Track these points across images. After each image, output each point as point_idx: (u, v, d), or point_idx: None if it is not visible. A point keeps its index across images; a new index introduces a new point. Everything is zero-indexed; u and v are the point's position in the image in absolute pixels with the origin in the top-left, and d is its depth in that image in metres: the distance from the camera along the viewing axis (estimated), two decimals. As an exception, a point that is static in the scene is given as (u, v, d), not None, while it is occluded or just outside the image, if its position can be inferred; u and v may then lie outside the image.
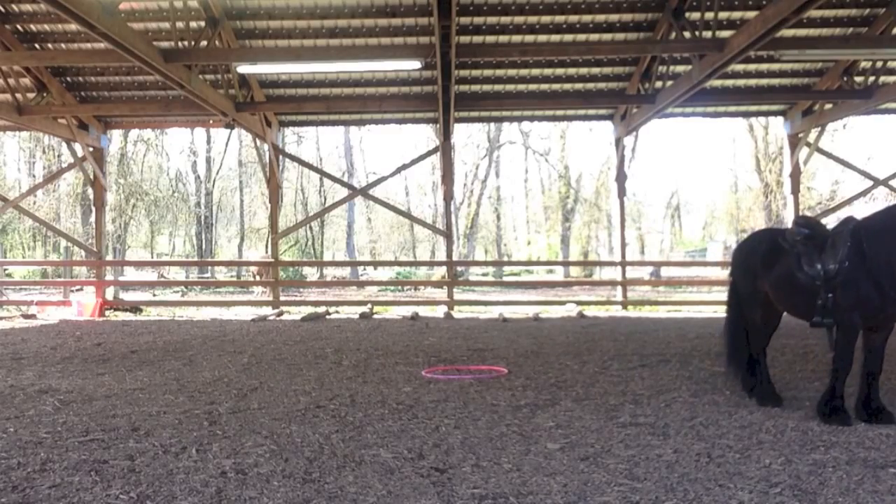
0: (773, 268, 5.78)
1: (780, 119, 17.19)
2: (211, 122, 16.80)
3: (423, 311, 15.91)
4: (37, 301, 16.82)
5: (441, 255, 32.75)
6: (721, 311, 15.11)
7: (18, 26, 13.62)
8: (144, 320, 14.51)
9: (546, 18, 13.15)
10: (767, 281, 5.86)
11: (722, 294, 19.12)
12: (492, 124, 34.71)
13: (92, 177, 16.87)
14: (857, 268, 5.13)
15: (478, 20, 13.24)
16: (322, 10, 12.92)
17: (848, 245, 5.20)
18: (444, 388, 6.71)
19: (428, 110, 16.15)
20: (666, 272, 27.04)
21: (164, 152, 39.33)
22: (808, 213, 23.49)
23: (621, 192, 16.88)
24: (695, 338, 10.46)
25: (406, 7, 12.86)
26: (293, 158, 22.46)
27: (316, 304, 17.65)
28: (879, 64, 14.09)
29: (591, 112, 17.19)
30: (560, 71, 14.94)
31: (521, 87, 15.52)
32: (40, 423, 5.37)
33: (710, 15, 11.53)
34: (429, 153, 19.20)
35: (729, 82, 15.17)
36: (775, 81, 15.32)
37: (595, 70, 15.02)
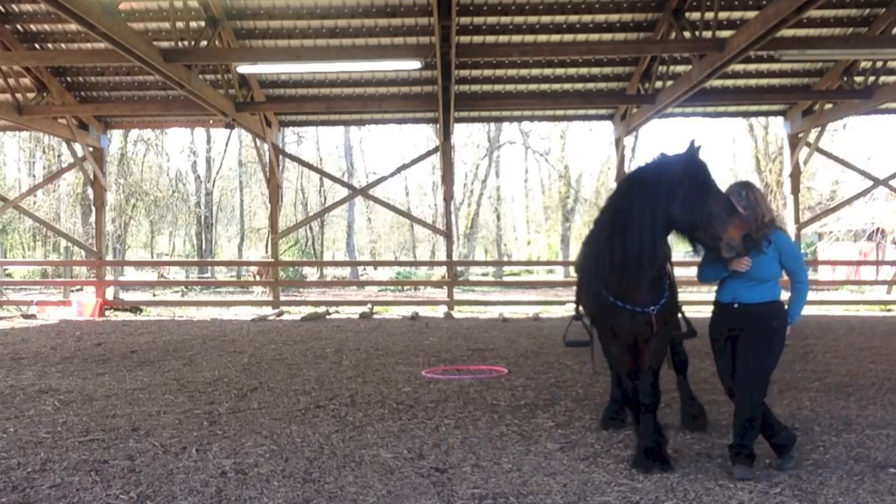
0: None
1: (780, 119, 17.17)
2: (211, 122, 16.79)
3: (423, 311, 15.90)
4: (37, 301, 16.81)
5: (441, 255, 32.68)
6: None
7: (18, 26, 13.61)
8: (144, 320, 14.51)
9: (546, 18, 13.14)
10: None
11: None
12: (492, 124, 34.64)
13: (92, 177, 16.87)
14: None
15: (478, 20, 13.23)
16: (322, 10, 12.92)
17: None
18: (444, 388, 6.71)
19: (428, 110, 16.14)
20: (666, 272, 26.98)
21: (164, 152, 39.26)
22: (808, 214, 23.47)
23: (621, 192, 16.84)
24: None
25: (406, 7, 12.86)
26: (293, 158, 22.47)
27: (316, 304, 17.64)
28: (879, 64, 14.07)
29: (591, 112, 17.19)
30: (560, 71, 14.93)
31: (521, 87, 15.51)
32: (40, 423, 5.37)
33: (710, 15, 11.52)
34: (429, 153, 19.22)
35: (729, 82, 15.16)
36: (775, 81, 15.30)
37: (595, 70, 15.01)
